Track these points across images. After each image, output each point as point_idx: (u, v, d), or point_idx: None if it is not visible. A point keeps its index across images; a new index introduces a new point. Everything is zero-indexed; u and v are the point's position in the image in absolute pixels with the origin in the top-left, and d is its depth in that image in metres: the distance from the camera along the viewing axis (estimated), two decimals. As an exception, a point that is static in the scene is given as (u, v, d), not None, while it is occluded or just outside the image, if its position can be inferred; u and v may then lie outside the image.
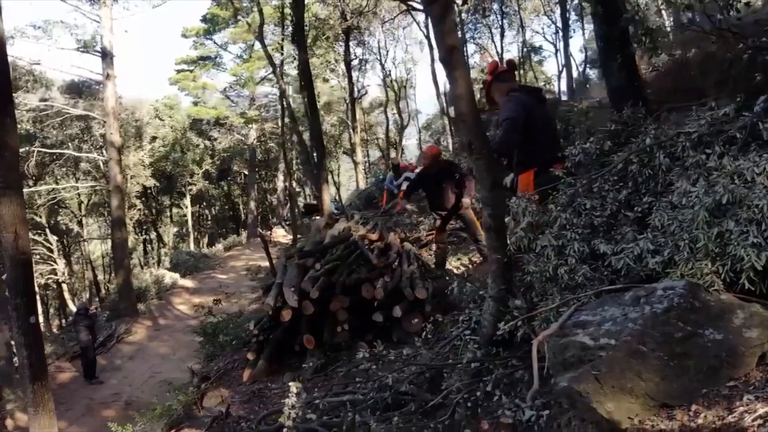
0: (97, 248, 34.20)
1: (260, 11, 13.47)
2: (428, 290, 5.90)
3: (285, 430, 2.89)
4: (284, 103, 16.11)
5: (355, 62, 27.24)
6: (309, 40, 15.88)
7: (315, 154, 14.69)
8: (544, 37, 34.62)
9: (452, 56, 3.18)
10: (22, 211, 5.07)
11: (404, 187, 11.65)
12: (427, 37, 24.58)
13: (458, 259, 7.99)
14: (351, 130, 28.53)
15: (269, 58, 13.76)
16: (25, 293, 4.99)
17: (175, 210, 35.66)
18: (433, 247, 8.91)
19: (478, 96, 8.21)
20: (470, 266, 7.61)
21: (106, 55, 15.67)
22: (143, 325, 15.77)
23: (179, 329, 15.35)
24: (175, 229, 36.65)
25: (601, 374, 2.39)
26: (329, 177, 21.58)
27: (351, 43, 25.32)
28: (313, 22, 20.30)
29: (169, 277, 20.32)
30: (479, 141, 3.25)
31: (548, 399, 2.91)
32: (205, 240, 36.86)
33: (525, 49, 28.91)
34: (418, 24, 25.14)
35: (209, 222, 39.88)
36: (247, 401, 5.17)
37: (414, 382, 4.01)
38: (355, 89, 27.57)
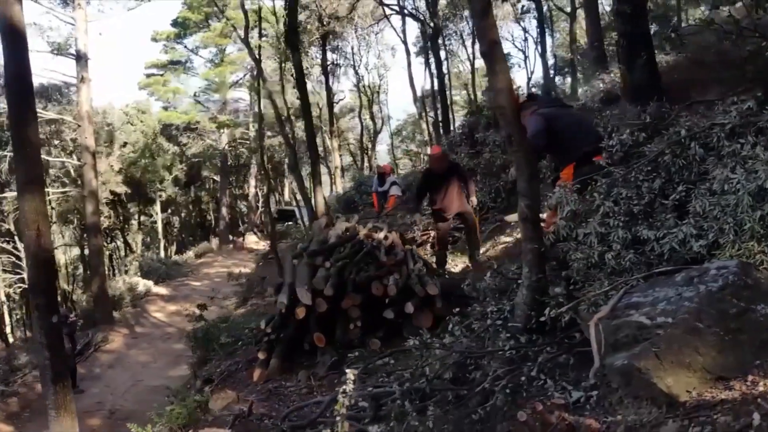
0: (61, 257, 33.10)
1: (245, 13, 13.46)
2: (437, 287, 5.99)
3: (338, 417, 2.91)
4: (261, 105, 16.04)
5: (329, 67, 27.30)
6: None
7: (294, 156, 14.74)
8: (513, 44, 35.21)
9: (493, 50, 3.29)
10: (44, 207, 4.90)
11: (393, 191, 11.65)
12: (404, 42, 24.82)
13: (469, 254, 8.05)
14: (328, 135, 28.50)
15: (255, 59, 13.73)
16: (48, 292, 4.83)
17: (143, 217, 34.83)
18: (428, 247, 9.02)
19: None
20: (468, 265, 7.71)
21: (81, 58, 15.29)
22: (120, 333, 15.37)
23: (158, 337, 15.06)
24: (140, 237, 35.77)
25: (661, 351, 2.51)
26: (307, 181, 21.55)
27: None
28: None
29: (143, 284, 19.85)
30: (518, 134, 3.36)
31: (595, 380, 3.02)
32: (173, 247, 36.09)
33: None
34: (394, 29, 25.35)
35: (176, 229, 39.07)
36: (265, 399, 5.15)
37: (444, 373, 4.08)
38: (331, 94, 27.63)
